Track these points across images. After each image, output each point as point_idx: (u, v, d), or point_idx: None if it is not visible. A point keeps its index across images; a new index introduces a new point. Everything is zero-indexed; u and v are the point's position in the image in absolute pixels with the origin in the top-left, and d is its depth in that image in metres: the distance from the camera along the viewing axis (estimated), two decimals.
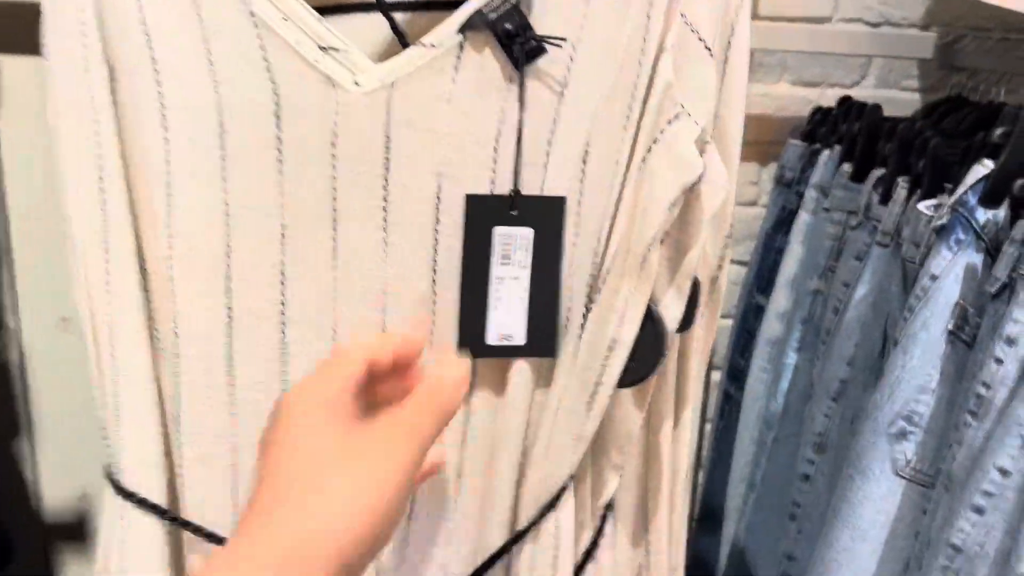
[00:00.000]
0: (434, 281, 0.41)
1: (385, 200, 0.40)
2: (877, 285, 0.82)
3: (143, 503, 0.45)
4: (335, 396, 0.32)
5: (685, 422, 0.58)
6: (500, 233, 0.41)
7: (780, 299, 0.98)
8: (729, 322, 1.09)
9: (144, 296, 0.43)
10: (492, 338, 0.43)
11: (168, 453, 0.46)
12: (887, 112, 0.90)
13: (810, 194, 0.95)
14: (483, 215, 0.41)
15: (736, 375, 1.05)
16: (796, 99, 1.11)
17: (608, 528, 0.56)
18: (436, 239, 0.41)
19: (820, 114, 0.98)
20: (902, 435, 0.73)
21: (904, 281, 0.77)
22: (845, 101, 0.95)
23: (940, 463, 0.70)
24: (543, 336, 0.43)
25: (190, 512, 0.46)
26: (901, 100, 1.11)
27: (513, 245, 0.41)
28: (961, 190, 0.69)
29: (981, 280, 0.69)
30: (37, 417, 1.02)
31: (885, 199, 0.82)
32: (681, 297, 0.49)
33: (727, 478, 1.06)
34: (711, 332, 0.57)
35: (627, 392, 0.50)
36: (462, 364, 0.34)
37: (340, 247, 0.40)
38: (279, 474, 0.31)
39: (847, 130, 0.90)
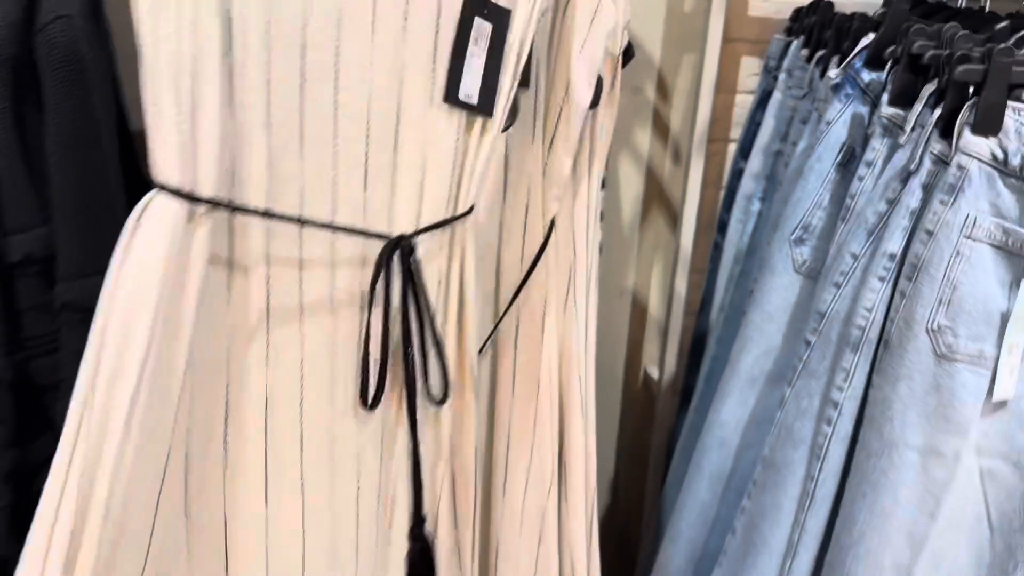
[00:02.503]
0: (434, 53, 0.67)
1: (407, 4, 0.66)
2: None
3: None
4: None
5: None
6: (476, 24, 0.68)
7: (755, 162, 1.22)
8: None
9: None
10: (462, 95, 0.70)
11: None
12: (865, 11, 1.09)
13: (782, 77, 1.19)
14: (468, 12, 0.67)
15: (722, 227, 1.30)
16: (794, 3, 1.32)
17: None
18: (437, 27, 0.67)
19: (796, 12, 1.21)
20: (800, 241, 0.99)
21: None
22: (815, 2, 1.18)
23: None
24: (486, 101, 0.71)
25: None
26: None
27: (480, 34, 0.68)
28: (850, 57, 0.93)
29: (864, 126, 0.94)
30: None
31: (823, 74, 1.06)
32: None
33: (710, 311, 1.32)
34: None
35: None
36: None
37: (377, 31, 0.65)
38: None
39: (808, 23, 1.13)
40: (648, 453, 1.47)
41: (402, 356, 0.70)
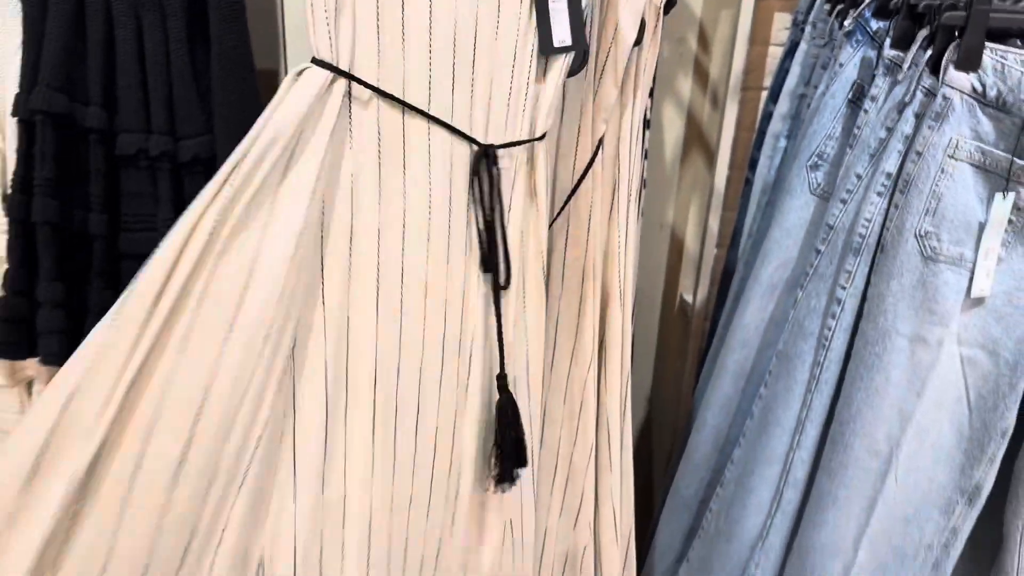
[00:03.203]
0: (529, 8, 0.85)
1: None
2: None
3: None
4: None
5: None
6: None
7: (782, 105, 1.38)
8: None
9: None
10: (556, 43, 0.88)
11: None
12: None
13: (807, 29, 1.34)
14: None
15: (752, 164, 1.47)
16: None
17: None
18: None
19: None
20: (815, 167, 1.15)
21: None
22: None
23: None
24: (578, 42, 0.88)
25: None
26: None
27: None
28: (861, 7, 1.09)
29: (871, 67, 1.10)
30: None
31: (841, 24, 1.21)
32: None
33: (739, 242, 1.49)
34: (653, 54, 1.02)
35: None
36: None
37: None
38: None
39: None
40: (683, 368, 1.65)
41: (478, 241, 0.91)
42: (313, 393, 0.85)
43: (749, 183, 1.49)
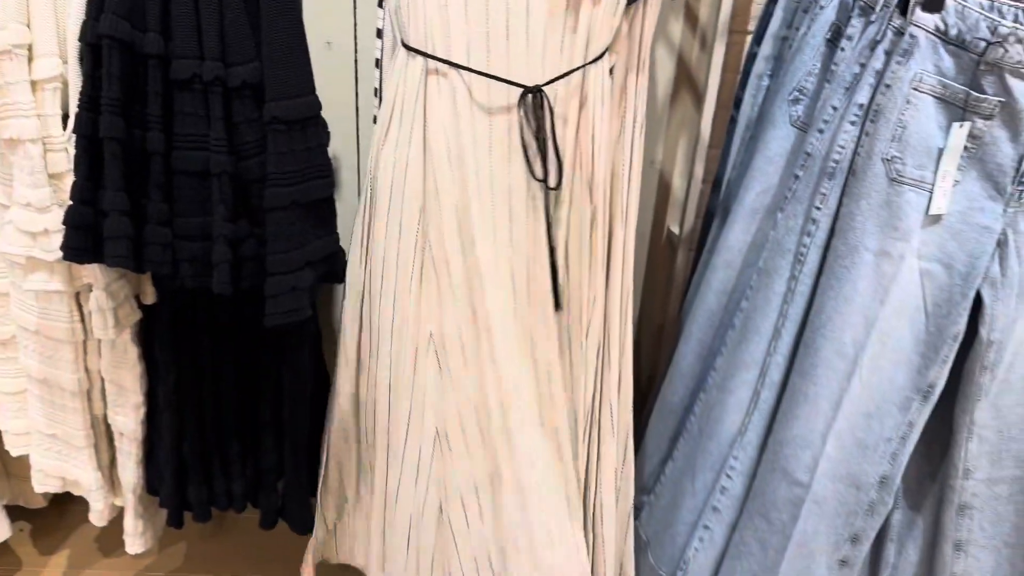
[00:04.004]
0: None
1: None
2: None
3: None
4: None
5: None
6: None
7: (766, 47, 1.49)
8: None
9: None
10: None
11: None
12: None
13: None
14: None
15: (737, 103, 1.58)
16: None
17: None
18: None
19: None
20: (796, 101, 1.27)
21: None
22: None
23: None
24: None
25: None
26: None
27: None
28: None
29: (848, 9, 1.21)
30: None
31: None
32: None
33: (724, 176, 1.61)
34: None
35: None
36: None
37: None
38: None
39: None
40: (669, 295, 1.79)
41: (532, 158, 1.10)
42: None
43: (734, 121, 1.61)
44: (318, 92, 1.09)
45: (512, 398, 1.18)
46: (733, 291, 1.38)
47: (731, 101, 1.64)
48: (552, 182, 1.13)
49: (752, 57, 1.55)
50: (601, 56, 1.08)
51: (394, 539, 1.31)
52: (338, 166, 1.62)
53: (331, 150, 1.11)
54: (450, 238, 1.14)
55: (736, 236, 1.36)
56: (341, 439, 1.33)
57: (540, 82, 1.08)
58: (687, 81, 1.71)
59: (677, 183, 1.79)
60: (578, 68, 1.09)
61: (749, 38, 1.64)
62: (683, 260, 1.76)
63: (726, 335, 1.35)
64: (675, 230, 1.78)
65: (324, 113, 1.12)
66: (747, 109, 1.54)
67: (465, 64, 1.05)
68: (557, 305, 1.18)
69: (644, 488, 1.53)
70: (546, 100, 1.09)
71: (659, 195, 1.82)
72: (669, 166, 1.79)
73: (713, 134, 1.66)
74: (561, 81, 1.09)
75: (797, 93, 1.27)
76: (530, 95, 1.07)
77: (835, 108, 1.18)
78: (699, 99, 1.67)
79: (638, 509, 1.54)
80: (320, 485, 1.39)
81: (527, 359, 1.19)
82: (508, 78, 1.07)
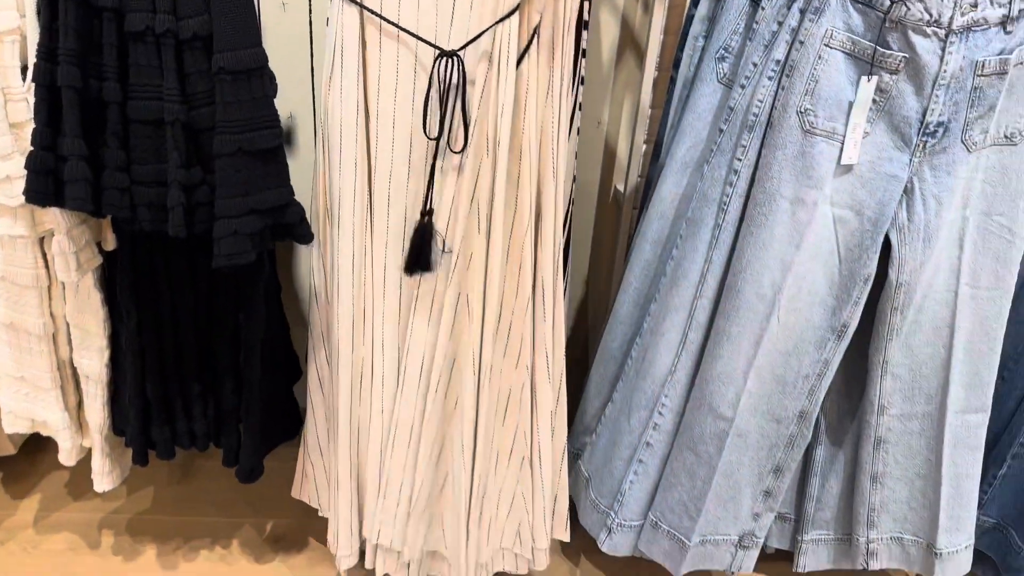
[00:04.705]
0: None
1: None
2: None
3: None
4: None
5: None
6: None
7: (702, 7, 1.54)
8: None
9: None
10: None
11: None
12: None
13: None
14: None
15: (676, 64, 1.66)
16: None
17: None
18: None
19: None
20: (722, 59, 1.35)
21: None
22: None
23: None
24: None
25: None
26: None
27: None
28: None
29: None
30: None
31: None
32: None
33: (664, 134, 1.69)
34: None
35: None
36: None
37: None
38: None
39: None
40: (615, 248, 1.87)
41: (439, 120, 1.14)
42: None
43: (673, 81, 1.68)
44: (274, 52, 1.15)
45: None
46: (666, 241, 1.47)
47: (671, 62, 1.72)
48: (456, 146, 1.21)
49: (690, 19, 1.63)
50: (511, 13, 1.14)
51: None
52: (294, 125, 1.68)
53: (287, 110, 1.18)
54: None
55: (669, 189, 1.44)
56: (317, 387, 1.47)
57: (455, 44, 1.15)
58: (631, 44, 1.78)
59: (622, 142, 1.87)
60: (488, 28, 1.16)
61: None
62: (627, 216, 1.84)
63: (659, 282, 1.43)
64: (620, 188, 1.87)
65: (279, 73, 1.19)
66: (684, 69, 1.61)
67: (395, 20, 1.12)
68: (427, 267, 1.29)
69: (587, 429, 1.62)
70: (460, 64, 1.16)
71: (606, 155, 1.90)
72: (615, 127, 1.87)
73: (655, 95, 1.74)
74: (472, 45, 1.17)
75: (723, 51, 1.35)
76: (444, 59, 1.15)
77: (755, 64, 1.26)
78: (642, 60, 1.74)
79: (581, 450, 1.63)
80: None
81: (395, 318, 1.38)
82: (419, 34, 1.15)
